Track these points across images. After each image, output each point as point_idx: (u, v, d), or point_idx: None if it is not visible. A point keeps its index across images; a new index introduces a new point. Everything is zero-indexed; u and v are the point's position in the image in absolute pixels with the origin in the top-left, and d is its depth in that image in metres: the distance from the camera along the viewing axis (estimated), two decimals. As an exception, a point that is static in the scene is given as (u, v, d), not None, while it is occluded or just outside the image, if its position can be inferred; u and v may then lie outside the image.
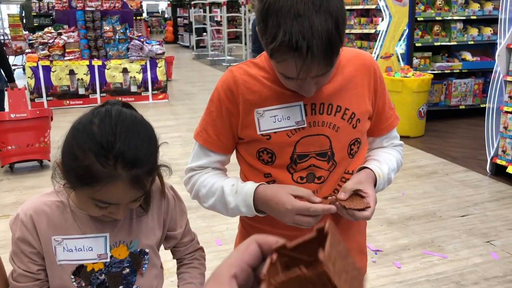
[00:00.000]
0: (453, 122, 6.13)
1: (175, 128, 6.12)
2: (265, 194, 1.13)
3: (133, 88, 7.70)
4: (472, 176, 4.33)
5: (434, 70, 5.90)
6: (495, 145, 4.29)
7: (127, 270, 1.13)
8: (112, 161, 0.93)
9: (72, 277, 1.09)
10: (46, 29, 7.73)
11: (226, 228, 3.45)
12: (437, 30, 5.92)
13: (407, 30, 5.72)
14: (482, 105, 5.97)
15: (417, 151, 5.04)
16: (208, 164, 1.25)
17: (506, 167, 4.14)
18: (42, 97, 7.24)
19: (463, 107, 6.20)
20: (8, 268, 1.11)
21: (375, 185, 1.19)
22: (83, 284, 1.09)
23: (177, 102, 7.84)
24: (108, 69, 7.50)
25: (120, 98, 7.60)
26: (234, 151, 1.28)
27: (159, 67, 7.79)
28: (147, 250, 1.15)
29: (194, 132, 1.27)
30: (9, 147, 4.40)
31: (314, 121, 1.15)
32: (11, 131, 4.37)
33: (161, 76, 7.83)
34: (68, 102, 7.37)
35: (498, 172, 4.28)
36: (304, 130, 1.15)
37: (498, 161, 4.24)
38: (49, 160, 4.65)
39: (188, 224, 1.28)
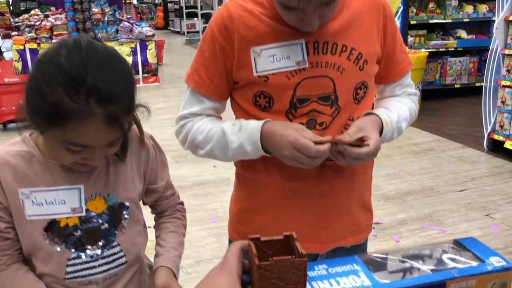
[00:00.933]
0: (449, 101, 6.06)
1: (166, 110, 6.00)
2: (271, 128, 1.04)
3: (123, 71, 7.57)
4: (469, 152, 4.27)
5: (429, 48, 5.82)
6: (492, 121, 4.23)
7: (106, 225, 1.02)
8: (84, 95, 0.82)
9: (44, 233, 0.98)
10: (32, 11, 7.53)
11: (220, 206, 3.37)
12: (432, 7, 5.83)
13: (401, 8, 5.62)
14: (477, 84, 5.91)
15: (412, 129, 4.97)
16: (201, 111, 1.15)
17: (503, 143, 4.09)
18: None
19: (458, 86, 6.12)
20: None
21: (381, 133, 1.10)
22: (57, 241, 0.99)
23: (168, 85, 7.70)
24: (97, 52, 7.35)
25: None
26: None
27: (149, 50, 7.63)
28: (127, 204, 1.05)
29: (185, 75, 1.16)
30: (3, 108, 5.04)
31: (317, 61, 1.05)
32: (5, 93, 4.97)
33: (151, 59, 7.67)
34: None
35: (495, 148, 4.23)
36: (306, 72, 1.05)
37: (496, 137, 4.18)
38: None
39: (169, 178, 1.19)
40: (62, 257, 1.00)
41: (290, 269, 0.60)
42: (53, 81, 0.83)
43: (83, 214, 0.99)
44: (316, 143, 0.98)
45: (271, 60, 1.04)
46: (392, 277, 0.67)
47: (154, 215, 1.22)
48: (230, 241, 1.29)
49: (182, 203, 1.24)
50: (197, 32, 14.48)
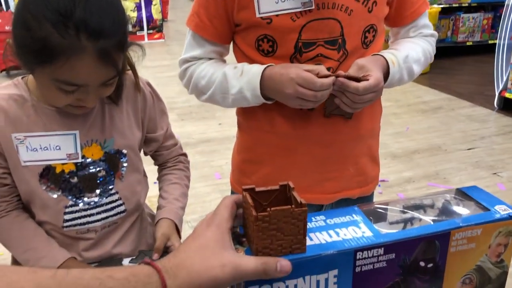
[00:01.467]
0: (460, 59, 5.90)
1: (172, 67, 5.90)
2: (272, 70, 1.01)
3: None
4: (479, 111, 4.19)
5: (442, 4, 5.61)
6: (504, 79, 4.12)
7: (103, 172, 1.01)
8: (73, 30, 0.79)
9: (40, 179, 0.97)
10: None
11: (225, 163, 3.36)
12: (447, -40, 5.59)
13: (415, -40, 5.39)
14: (490, 41, 5.73)
15: (421, 87, 4.87)
16: (203, 55, 1.11)
17: (514, 101, 4.00)
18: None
19: (471, 43, 5.94)
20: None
21: (387, 74, 1.05)
22: (53, 188, 0.98)
23: (173, 42, 7.55)
24: (101, 7, 7.21)
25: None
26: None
27: (154, 5, 7.45)
28: (124, 151, 1.03)
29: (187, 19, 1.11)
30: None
31: (324, 2, 1.00)
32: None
33: (156, 15, 7.50)
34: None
35: (506, 106, 4.14)
36: (312, 13, 1.00)
37: (507, 95, 4.09)
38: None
39: (170, 127, 1.16)
40: (59, 205, 0.99)
41: (289, 220, 0.57)
42: (40, 16, 0.79)
43: (79, 160, 0.97)
44: (319, 77, 0.95)
45: (275, 0, 0.99)
46: (393, 228, 0.65)
47: (157, 167, 1.20)
48: (233, 193, 1.27)
49: (185, 154, 1.21)
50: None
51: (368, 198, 1.24)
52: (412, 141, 3.58)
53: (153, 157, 1.18)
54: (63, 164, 0.97)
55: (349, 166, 1.15)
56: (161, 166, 1.19)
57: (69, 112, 0.95)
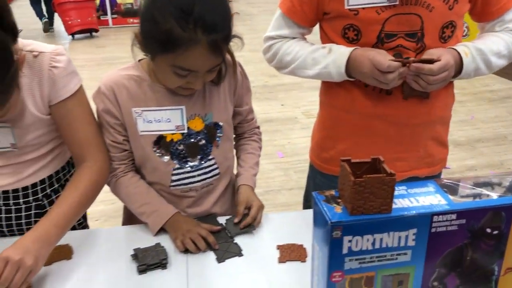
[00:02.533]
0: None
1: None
2: (357, 52, 1.14)
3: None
4: (550, 102, 4.07)
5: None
6: None
7: (203, 141, 1.18)
8: (192, 25, 0.94)
9: (153, 146, 1.16)
10: None
11: (288, 143, 3.51)
12: None
13: None
14: None
15: (490, 75, 4.75)
16: (288, 35, 1.25)
17: None
18: (107, 14, 7.38)
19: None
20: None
21: (461, 66, 1.15)
22: (163, 153, 1.16)
23: (238, 22, 7.71)
24: (170, -13, 7.46)
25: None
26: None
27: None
28: (220, 123, 1.19)
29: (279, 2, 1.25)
30: (71, 21, 6.59)
31: None
32: (73, 9, 6.55)
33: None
34: (132, 20, 7.47)
35: None
36: (395, 8, 1.11)
37: None
38: (98, 30, 6.96)
39: (251, 103, 1.30)
40: (168, 167, 1.18)
41: (381, 186, 0.71)
42: (165, 12, 0.95)
43: (185, 131, 1.15)
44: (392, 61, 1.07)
45: None
46: (463, 200, 0.77)
47: (234, 135, 1.36)
48: (312, 166, 1.42)
49: (258, 127, 1.37)
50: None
51: (435, 177, 1.35)
52: (476, 130, 3.57)
53: (234, 128, 1.32)
54: (172, 134, 1.15)
55: (420, 148, 1.27)
56: (239, 136, 1.34)
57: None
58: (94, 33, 6.94)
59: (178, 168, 1.18)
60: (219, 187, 1.26)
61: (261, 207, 1.19)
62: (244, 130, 1.33)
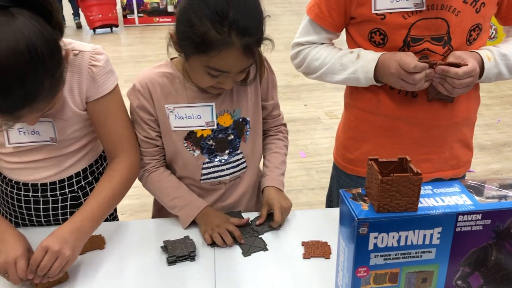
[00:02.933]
0: None
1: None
2: (386, 56, 1.16)
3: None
4: None
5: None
6: None
7: (232, 136, 1.22)
8: (227, 28, 0.98)
9: (184, 142, 1.20)
10: None
11: (310, 143, 3.53)
12: None
13: None
14: None
15: (517, 79, 4.68)
16: (317, 40, 1.28)
17: None
18: (133, 13, 7.50)
19: None
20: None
21: (482, 71, 1.15)
22: (194, 148, 1.21)
23: (261, 23, 7.76)
24: (195, -13, 7.53)
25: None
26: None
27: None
28: (248, 118, 1.23)
29: (306, 6, 1.28)
30: (92, 17, 6.87)
31: (434, 3, 1.12)
32: (95, 5, 6.85)
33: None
34: (157, 19, 7.57)
35: None
36: (422, 13, 1.12)
37: None
38: (118, 26, 7.20)
39: (277, 98, 1.31)
40: (198, 162, 1.22)
41: (407, 185, 0.73)
42: (202, 15, 0.99)
43: (215, 127, 1.19)
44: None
45: (390, 0, 1.13)
46: (488, 201, 0.79)
47: None
48: (335, 166, 1.44)
49: (285, 125, 1.38)
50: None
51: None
52: (502, 134, 3.52)
53: None
54: (202, 129, 1.19)
55: (445, 150, 1.28)
56: (264, 133, 1.35)
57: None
58: (114, 28, 7.20)
59: (208, 162, 1.22)
60: (246, 180, 1.29)
61: (283, 209, 1.19)
62: (269, 126, 1.34)
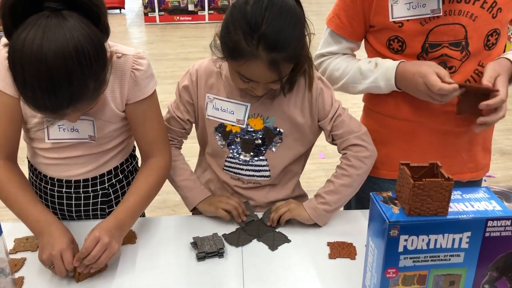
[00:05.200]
0: None
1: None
2: (405, 67, 1.17)
3: (239, 6, 7.76)
4: None
5: None
6: None
7: (259, 141, 1.25)
8: (255, 41, 1.01)
9: (214, 131, 1.26)
10: None
11: (329, 144, 3.53)
12: None
13: None
14: None
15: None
16: (338, 51, 1.30)
17: None
18: (154, 11, 7.57)
19: None
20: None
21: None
22: (222, 140, 1.26)
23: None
24: (216, -14, 7.59)
25: (226, 16, 7.84)
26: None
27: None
28: (281, 130, 1.23)
29: (326, 18, 1.30)
30: None
31: (451, 9, 1.13)
32: None
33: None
34: (178, 17, 7.64)
35: None
36: (439, 19, 1.14)
37: None
38: (124, 8, 7.84)
39: (339, 114, 1.22)
40: (223, 153, 1.27)
41: (438, 189, 0.76)
42: (237, 24, 1.03)
43: (244, 126, 1.23)
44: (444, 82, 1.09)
45: (407, 7, 1.14)
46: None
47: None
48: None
49: (356, 144, 1.22)
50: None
51: (477, 182, 1.37)
52: (524, 139, 3.49)
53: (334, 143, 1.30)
54: (232, 125, 1.24)
55: (463, 153, 1.30)
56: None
57: None
58: (123, 10, 7.98)
59: (231, 157, 1.27)
60: (266, 190, 1.31)
61: (283, 211, 1.22)
62: (339, 148, 1.27)
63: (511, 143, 3.42)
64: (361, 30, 1.25)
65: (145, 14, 7.53)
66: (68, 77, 0.85)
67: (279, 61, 1.04)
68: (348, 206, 1.56)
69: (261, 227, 1.23)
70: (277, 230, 1.22)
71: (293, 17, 1.04)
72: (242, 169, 1.28)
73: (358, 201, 1.45)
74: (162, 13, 7.60)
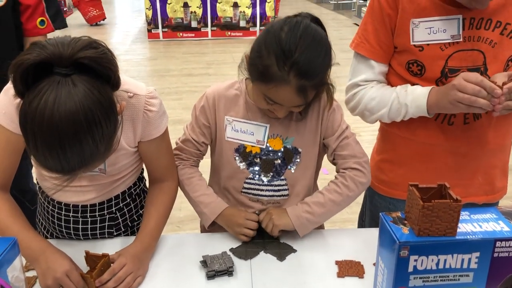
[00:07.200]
0: None
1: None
2: (436, 89, 1.17)
3: (242, 23, 7.82)
4: None
5: None
6: None
7: (279, 161, 1.27)
8: (287, 67, 1.05)
9: (234, 153, 1.27)
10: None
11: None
12: None
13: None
14: None
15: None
16: (372, 77, 1.28)
17: None
18: (158, 28, 7.67)
19: None
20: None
21: None
22: (242, 161, 1.28)
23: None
24: (219, 3, 7.67)
25: (229, 33, 7.91)
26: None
27: (268, 2, 7.79)
28: (300, 150, 1.26)
29: (351, 44, 1.30)
30: (95, 13, 8.59)
31: (470, 35, 1.16)
32: (91, 5, 8.51)
33: (269, 12, 7.84)
34: (181, 34, 7.73)
35: None
36: (459, 44, 1.16)
37: None
38: (105, 18, 8.90)
39: (346, 136, 1.25)
40: (243, 174, 1.28)
41: (447, 211, 0.77)
42: (270, 49, 1.07)
43: (264, 146, 1.25)
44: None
45: (428, 32, 1.16)
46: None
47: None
48: (369, 187, 1.44)
49: (358, 169, 1.24)
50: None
51: (493, 205, 1.37)
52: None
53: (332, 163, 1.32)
54: (252, 146, 1.26)
55: (479, 175, 1.30)
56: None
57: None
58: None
59: (250, 178, 1.29)
60: (286, 206, 1.31)
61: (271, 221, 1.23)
62: (338, 167, 1.29)
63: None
64: (390, 52, 1.25)
65: (149, 31, 7.63)
66: (79, 143, 0.85)
67: (307, 87, 1.08)
68: (361, 225, 1.57)
69: (265, 234, 1.25)
70: (281, 241, 1.24)
71: (324, 47, 1.10)
72: (262, 190, 1.29)
73: (372, 220, 1.46)
74: (166, 29, 7.69)
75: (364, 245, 1.24)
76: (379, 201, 1.42)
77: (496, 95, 1.05)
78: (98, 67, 0.87)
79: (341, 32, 8.38)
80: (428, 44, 1.18)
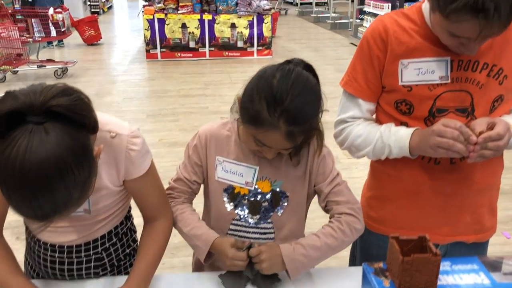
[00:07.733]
0: None
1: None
2: (419, 131, 1.18)
3: (240, 43, 7.90)
4: None
5: None
6: None
7: (266, 203, 1.27)
8: (278, 113, 1.07)
9: (223, 193, 1.28)
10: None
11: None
12: None
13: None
14: None
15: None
16: (359, 115, 1.30)
17: None
18: (156, 48, 7.74)
19: None
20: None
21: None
22: (230, 202, 1.28)
23: (280, 59, 7.44)
24: (217, 24, 7.76)
25: (227, 53, 8.00)
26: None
27: (265, 23, 7.87)
28: (287, 194, 1.27)
29: (341, 81, 1.33)
30: (92, 33, 9.16)
31: (458, 77, 1.17)
32: (88, 25, 9.12)
33: (266, 32, 7.93)
34: (179, 54, 7.80)
35: None
36: (447, 85, 1.17)
37: None
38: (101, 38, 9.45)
39: (338, 183, 1.26)
40: (229, 216, 1.28)
41: (427, 265, 0.78)
42: (262, 94, 1.09)
43: (252, 188, 1.26)
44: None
45: (416, 73, 1.18)
46: (506, 279, 0.82)
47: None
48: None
49: (352, 215, 1.23)
50: (310, 3, 14.37)
51: (483, 244, 1.38)
52: (522, 179, 3.50)
53: (326, 209, 1.29)
54: (241, 187, 1.27)
55: (466, 215, 1.31)
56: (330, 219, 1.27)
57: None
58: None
59: (237, 220, 1.29)
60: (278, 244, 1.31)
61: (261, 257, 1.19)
62: (332, 213, 1.27)
63: (509, 182, 3.43)
64: (378, 91, 1.28)
65: (147, 51, 7.71)
66: (51, 191, 0.85)
67: (296, 133, 1.09)
68: (353, 261, 1.57)
69: (252, 266, 1.20)
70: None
71: (314, 94, 1.12)
72: (248, 232, 1.29)
73: (363, 257, 1.46)
74: (164, 49, 7.76)
75: (351, 284, 1.23)
76: (369, 237, 1.42)
77: (471, 141, 1.07)
78: (71, 114, 0.86)
79: (337, 52, 8.39)
80: (416, 85, 1.19)
